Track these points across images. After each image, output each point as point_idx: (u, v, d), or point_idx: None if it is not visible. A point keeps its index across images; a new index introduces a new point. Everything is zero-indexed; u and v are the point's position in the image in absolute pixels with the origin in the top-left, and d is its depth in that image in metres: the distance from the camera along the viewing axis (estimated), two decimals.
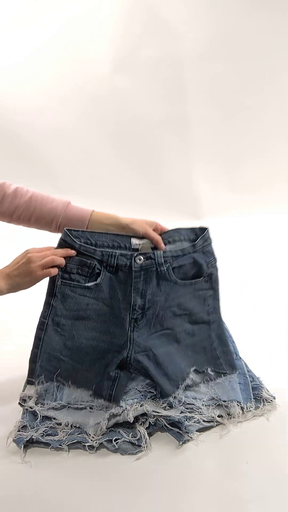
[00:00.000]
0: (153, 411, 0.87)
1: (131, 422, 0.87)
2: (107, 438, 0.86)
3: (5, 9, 2.23)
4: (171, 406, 0.91)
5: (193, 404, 0.93)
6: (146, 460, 0.84)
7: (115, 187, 2.43)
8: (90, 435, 0.86)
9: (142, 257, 0.96)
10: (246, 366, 1.06)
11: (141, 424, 0.89)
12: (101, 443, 0.86)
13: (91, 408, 0.92)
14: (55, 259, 0.94)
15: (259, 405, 0.96)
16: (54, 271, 0.95)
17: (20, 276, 0.92)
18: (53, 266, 0.95)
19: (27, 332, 1.28)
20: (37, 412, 0.91)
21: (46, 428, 0.89)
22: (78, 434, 0.87)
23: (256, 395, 0.98)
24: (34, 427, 0.89)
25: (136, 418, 0.89)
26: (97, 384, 0.93)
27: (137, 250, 1.00)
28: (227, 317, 1.27)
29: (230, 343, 1.05)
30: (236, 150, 2.48)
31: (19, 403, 0.94)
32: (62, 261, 0.95)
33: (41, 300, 1.00)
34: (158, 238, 1.00)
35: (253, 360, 1.10)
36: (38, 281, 0.94)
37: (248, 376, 1.02)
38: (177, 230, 1.05)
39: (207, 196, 2.43)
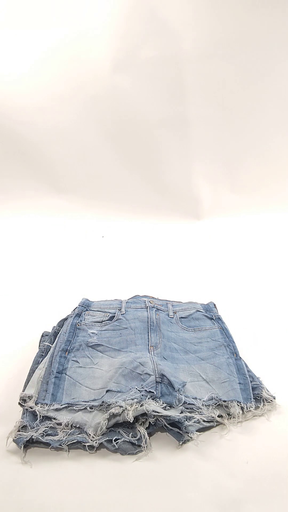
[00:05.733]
0: (153, 411, 0.87)
1: (131, 422, 0.87)
2: (107, 438, 0.86)
3: (4, 9, 2.22)
4: (171, 406, 0.91)
5: (193, 404, 0.93)
6: (146, 460, 0.84)
7: (115, 186, 2.43)
8: (90, 435, 0.86)
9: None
10: (246, 366, 1.06)
11: (141, 424, 0.89)
12: (101, 443, 0.86)
13: (91, 408, 0.92)
14: None
15: (259, 405, 0.96)
16: None
17: None
18: None
19: (27, 332, 1.29)
20: (37, 412, 0.91)
21: (46, 428, 0.89)
22: (78, 434, 0.87)
23: (256, 395, 0.98)
24: (34, 427, 0.88)
25: (136, 418, 0.89)
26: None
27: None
28: (227, 317, 1.27)
29: None
30: (236, 150, 2.48)
31: (19, 403, 0.94)
32: None
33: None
34: None
35: (253, 360, 1.10)
36: None
37: (248, 376, 1.02)
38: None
39: (207, 196, 2.42)
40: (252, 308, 1.46)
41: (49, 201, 2.32)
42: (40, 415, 0.91)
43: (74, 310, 1.23)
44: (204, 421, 0.91)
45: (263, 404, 0.96)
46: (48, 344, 1.13)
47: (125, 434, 0.87)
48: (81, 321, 1.19)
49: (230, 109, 2.42)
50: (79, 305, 1.25)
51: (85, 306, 1.25)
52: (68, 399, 0.95)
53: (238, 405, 0.94)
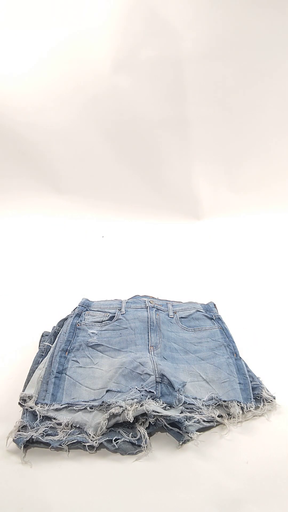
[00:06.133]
0: (153, 411, 0.87)
1: (131, 422, 0.87)
2: (107, 438, 0.86)
3: (4, 9, 2.23)
4: (171, 406, 0.91)
5: (193, 404, 0.93)
6: (146, 460, 0.84)
7: (115, 186, 2.43)
8: (90, 435, 0.86)
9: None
10: (246, 366, 1.06)
11: (141, 424, 0.89)
12: (101, 443, 0.86)
13: (91, 408, 0.92)
14: None
15: (259, 405, 0.96)
16: None
17: None
18: None
19: (27, 332, 1.29)
20: (37, 412, 0.91)
21: (46, 428, 0.89)
22: (78, 434, 0.87)
23: (256, 395, 0.98)
24: (34, 427, 0.88)
25: (136, 418, 0.89)
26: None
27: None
28: (227, 317, 1.27)
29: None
30: (236, 149, 2.48)
31: (19, 403, 0.94)
32: None
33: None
34: None
35: (253, 360, 1.10)
36: None
37: (248, 376, 1.02)
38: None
39: (207, 196, 2.42)
40: (252, 308, 1.46)
41: (49, 201, 2.32)
42: (40, 415, 0.91)
43: (74, 310, 1.24)
44: (204, 421, 0.91)
45: (263, 404, 0.96)
46: (48, 344, 1.13)
47: (125, 434, 0.87)
48: (81, 321, 1.19)
49: (230, 109, 2.42)
50: (79, 305, 1.25)
51: (85, 306, 1.25)
52: (68, 399, 0.95)
53: (238, 405, 0.94)
